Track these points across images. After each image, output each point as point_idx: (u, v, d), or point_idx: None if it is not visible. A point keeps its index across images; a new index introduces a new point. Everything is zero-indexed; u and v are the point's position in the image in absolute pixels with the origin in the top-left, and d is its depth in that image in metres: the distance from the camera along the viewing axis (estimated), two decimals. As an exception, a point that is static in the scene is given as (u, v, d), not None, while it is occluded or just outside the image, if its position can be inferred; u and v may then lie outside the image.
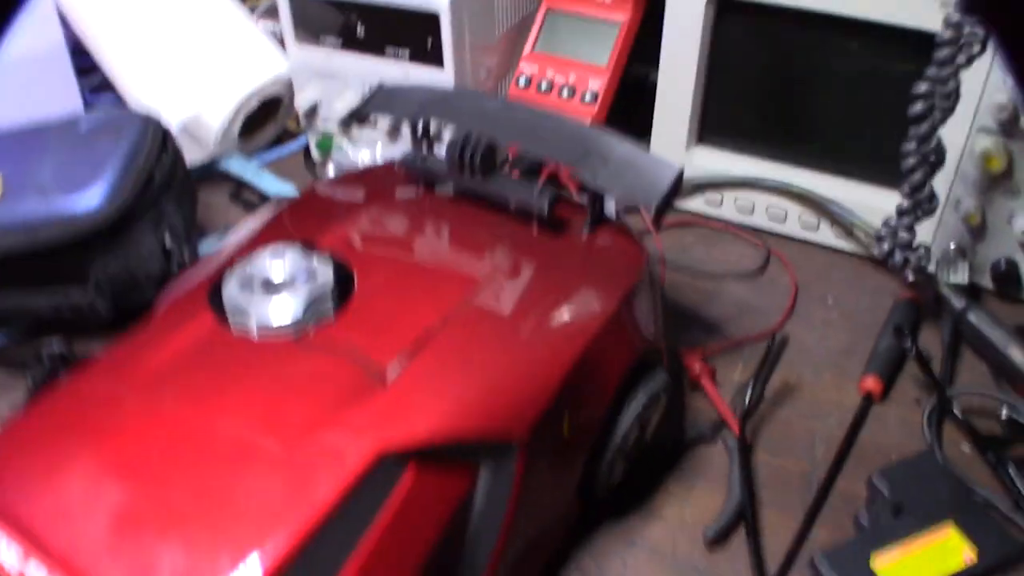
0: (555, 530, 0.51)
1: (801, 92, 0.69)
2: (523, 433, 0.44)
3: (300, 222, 0.57)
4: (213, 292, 0.50)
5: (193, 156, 0.78)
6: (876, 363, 0.61)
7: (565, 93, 0.75)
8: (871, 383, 0.60)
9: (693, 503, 0.54)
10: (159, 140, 0.63)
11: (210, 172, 0.80)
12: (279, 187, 0.78)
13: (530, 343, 0.47)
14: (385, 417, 0.42)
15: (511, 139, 0.56)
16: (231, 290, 0.49)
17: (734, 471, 0.55)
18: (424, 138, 0.59)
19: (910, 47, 0.62)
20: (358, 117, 0.61)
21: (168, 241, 0.63)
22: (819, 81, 0.68)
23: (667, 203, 0.52)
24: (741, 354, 0.63)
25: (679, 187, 0.53)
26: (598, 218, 0.56)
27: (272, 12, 0.87)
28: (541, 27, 0.77)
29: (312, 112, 0.78)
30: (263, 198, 0.79)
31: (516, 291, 0.50)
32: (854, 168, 0.70)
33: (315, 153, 0.81)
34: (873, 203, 0.69)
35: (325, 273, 0.49)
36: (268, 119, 0.83)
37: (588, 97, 0.74)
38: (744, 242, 0.74)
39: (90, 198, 0.59)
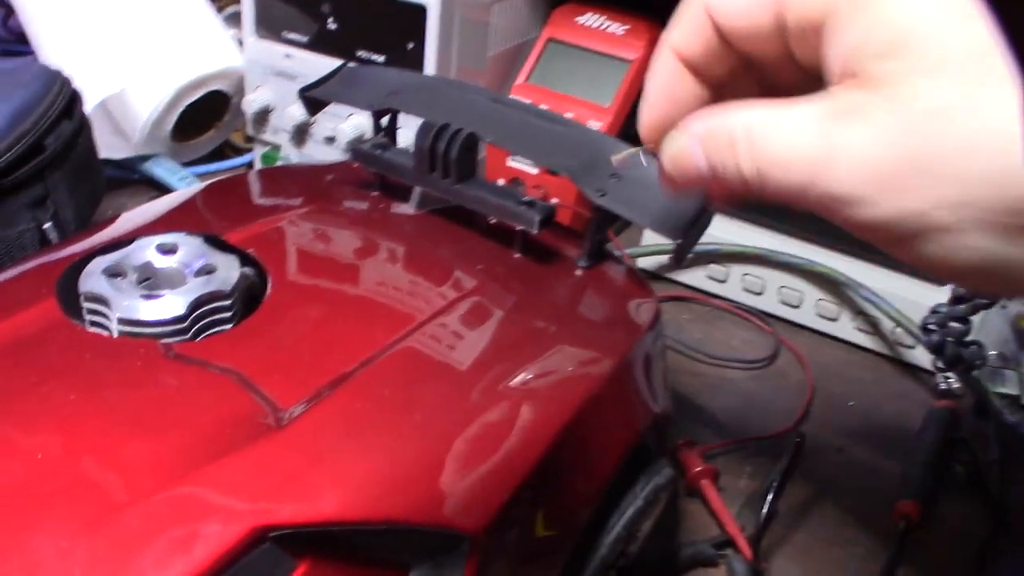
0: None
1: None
2: (476, 528, 0.28)
3: (213, 211, 0.41)
4: (66, 277, 0.34)
5: (112, 148, 0.62)
6: (913, 484, 0.46)
7: (559, 131, 0.61)
8: (909, 507, 0.45)
9: (688, 645, 0.38)
10: (62, 103, 0.48)
11: (130, 172, 0.64)
12: (211, 202, 0.62)
13: (494, 404, 0.31)
14: (273, 474, 0.26)
15: (499, 139, 0.41)
16: (92, 276, 0.33)
17: (743, 607, 0.39)
18: (388, 130, 0.45)
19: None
20: (313, 103, 0.47)
21: (49, 228, 0.47)
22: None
23: (693, 236, 0.37)
24: (747, 457, 0.48)
25: (709, 219, 0.38)
26: (599, 249, 0.41)
27: (235, 19, 0.72)
28: (539, 57, 0.63)
29: (262, 117, 0.63)
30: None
31: (482, 332, 0.34)
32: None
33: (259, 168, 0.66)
34: (908, 295, 0.55)
35: (228, 271, 0.34)
36: (210, 125, 0.67)
37: (585, 139, 0.60)
38: (750, 326, 0.59)
39: (-45, 151, 0.43)
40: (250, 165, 0.69)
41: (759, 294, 0.60)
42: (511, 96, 0.64)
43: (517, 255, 0.40)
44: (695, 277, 0.61)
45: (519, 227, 0.39)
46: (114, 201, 0.63)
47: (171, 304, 0.32)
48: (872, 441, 0.51)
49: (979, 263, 0.22)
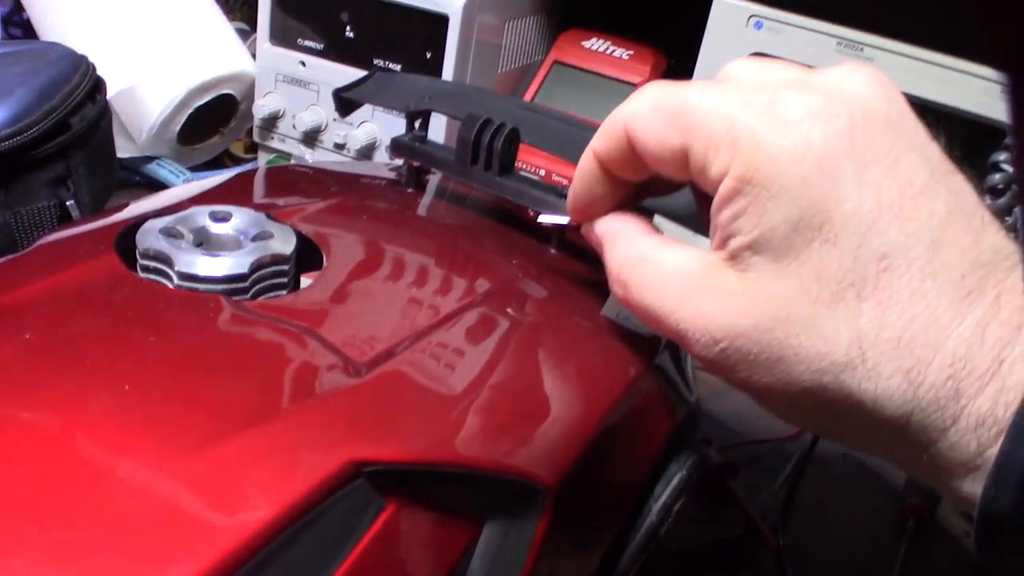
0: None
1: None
2: (551, 480, 0.28)
3: (259, 192, 0.41)
4: (121, 238, 0.33)
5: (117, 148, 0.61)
6: (919, 484, 0.47)
7: (564, 149, 0.62)
8: (917, 505, 0.46)
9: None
10: (88, 85, 0.47)
11: (132, 174, 0.63)
12: (214, 206, 0.61)
13: (557, 369, 0.32)
14: (364, 415, 0.26)
15: (536, 140, 0.42)
16: (149, 234, 0.32)
17: (770, 595, 0.39)
18: (422, 129, 0.45)
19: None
20: (346, 104, 0.47)
21: (72, 206, 0.46)
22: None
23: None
24: (757, 458, 0.49)
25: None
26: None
27: (242, 34, 0.73)
28: (544, 79, 0.65)
29: (270, 123, 0.63)
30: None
31: (537, 306, 0.35)
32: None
33: (263, 177, 0.65)
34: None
35: (285, 238, 0.34)
36: (215, 130, 0.67)
37: (590, 156, 0.61)
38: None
39: (-19, 120, 0.42)
40: (251, 173, 0.69)
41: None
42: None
43: (554, 251, 0.40)
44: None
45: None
46: (116, 201, 0.62)
47: (232, 263, 0.31)
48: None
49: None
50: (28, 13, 0.65)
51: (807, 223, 0.23)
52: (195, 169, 0.68)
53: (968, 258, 0.23)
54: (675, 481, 0.34)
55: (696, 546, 0.41)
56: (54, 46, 0.48)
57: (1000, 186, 0.45)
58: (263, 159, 0.66)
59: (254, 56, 0.65)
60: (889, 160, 0.23)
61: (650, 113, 0.27)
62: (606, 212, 0.31)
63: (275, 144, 0.64)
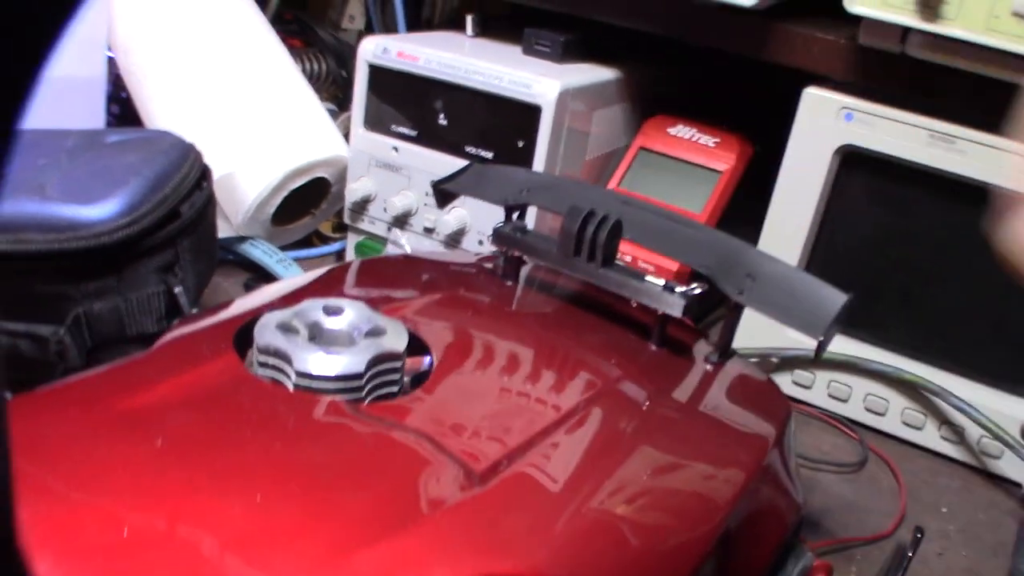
0: None
1: (923, 267, 0.57)
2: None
3: (363, 285, 0.42)
4: (240, 334, 0.34)
5: (216, 228, 0.63)
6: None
7: (649, 233, 0.62)
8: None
9: None
10: (197, 174, 0.49)
11: (225, 253, 0.65)
12: (304, 284, 0.62)
13: (673, 474, 0.31)
14: (489, 529, 0.26)
15: (637, 235, 0.42)
16: (266, 329, 0.33)
17: None
18: (520, 220, 0.45)
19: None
20: (444, 196, 0.48)
21: (180, 293, 0.47)
22: (946, 257, 0.56)
23: (832, 333, 0.38)
24: (853, 557, 0.47)
25: (846, 318, 0.39)
26: (728, 344, 0.41)
27: (331, 115, 0.74)
28: (631, 164, 0.65)
29: (361, 206, 0.64)
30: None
31: (645, 409, 0.35)
32: (980, 365, 0.56)
33: (353, 258, 0.67)
34: (994, 406, 0.55)
35: (397, 334, 0.34)
36: (306, 211, 0.68)
37: (675, 242, 0.61)
38: (836, 432, 0.59)
39: (99, 210, 0.44)
40: (340, 254, 0.70)
41: (844, 401, 0.60)
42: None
43: (654, 347, 0.40)
44: (780, 382, 0.61)
45: (660, 312, 0.39)
46: (212, 281, 0.63)
47: (348, 362, 0.31)
48: (970, 546, 0.50)
49: None
50: (134, 100, 0.67)
51: None
52: (285, 248, 0.69)
53: None
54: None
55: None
56: (165, 135, 0.50)
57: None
58: (352, 239, 0.67)
59: (345, 137, 0.66)
60: None
61: None
62: None
63: (364, 226, 0.65)
